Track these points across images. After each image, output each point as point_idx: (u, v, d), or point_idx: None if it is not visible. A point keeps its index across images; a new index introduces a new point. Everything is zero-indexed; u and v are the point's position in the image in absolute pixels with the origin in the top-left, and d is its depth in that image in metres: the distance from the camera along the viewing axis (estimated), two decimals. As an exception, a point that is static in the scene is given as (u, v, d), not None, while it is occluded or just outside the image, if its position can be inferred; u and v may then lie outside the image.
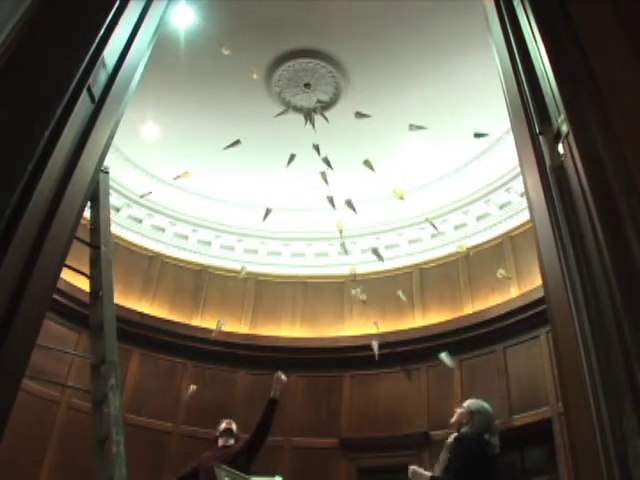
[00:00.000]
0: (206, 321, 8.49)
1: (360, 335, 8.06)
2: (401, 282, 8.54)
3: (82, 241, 3.65)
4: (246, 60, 6.49)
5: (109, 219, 4.05)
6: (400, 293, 7.63)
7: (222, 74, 6.77)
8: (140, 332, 7.79)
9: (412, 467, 3.68)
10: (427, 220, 7.66)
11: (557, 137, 1.40)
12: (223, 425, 4.74)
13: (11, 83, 1.26)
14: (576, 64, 1.39)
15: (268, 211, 6.79)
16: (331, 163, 6.53)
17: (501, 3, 1.87)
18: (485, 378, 7.14)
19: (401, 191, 6.94)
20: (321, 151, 6.40)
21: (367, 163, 6.60)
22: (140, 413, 7.41)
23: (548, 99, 1.47)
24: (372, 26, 6.14)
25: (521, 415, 6.64)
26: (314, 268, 9.13)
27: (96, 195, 3.92)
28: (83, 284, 7.55)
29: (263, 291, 8.88)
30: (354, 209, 6.67)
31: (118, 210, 8.61)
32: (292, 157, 6.56)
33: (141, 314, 8.09)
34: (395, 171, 7.87)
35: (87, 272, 3.89)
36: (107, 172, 4.15)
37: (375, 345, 7.30)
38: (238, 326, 8.51)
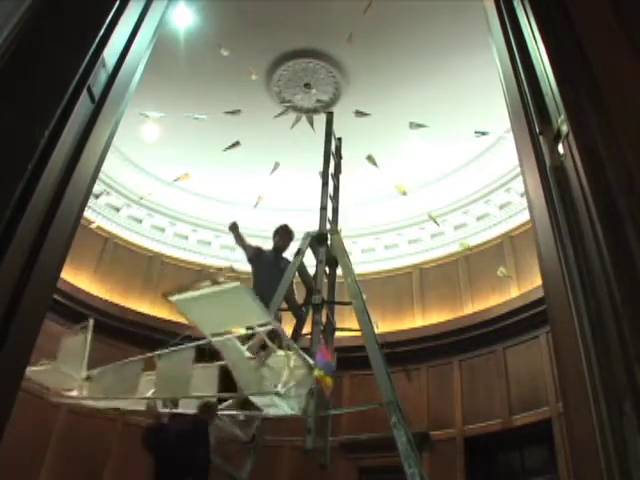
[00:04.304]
0: (206, 321, 8.48)
1: (360, 335, 8.03)
2: (401, 282, 8.53)
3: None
4: (246, 60, 6.49)
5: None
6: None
7: (222, 74, 6.77)
8: (140, 332, 7.78)
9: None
10: (430, 218, 7.64)
11: (557, 137, 1.39)
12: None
13: (11, 83, 1.26)
14: (576, 64, 1.39)
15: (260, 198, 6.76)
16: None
17: (501, 3, 1.87)
18: (485, 378, 7.14)
19: (403, 187, 6.95)
20: (320, 151, 6.40)
21: (370, 159, 6.61)
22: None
23: (548, 99, 1.47)
24: (372, 26, 6.14)
25: (521, 415, 6.64)
26: (314, 268, 9.11)
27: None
28: (83, 284, 7.58)
29: (263, 291, 8.85)
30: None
31: (118, 210, 8.61)
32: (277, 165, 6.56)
33: (141, 314, 8.08)
34: (395, 171, 7.87)
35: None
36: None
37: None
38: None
